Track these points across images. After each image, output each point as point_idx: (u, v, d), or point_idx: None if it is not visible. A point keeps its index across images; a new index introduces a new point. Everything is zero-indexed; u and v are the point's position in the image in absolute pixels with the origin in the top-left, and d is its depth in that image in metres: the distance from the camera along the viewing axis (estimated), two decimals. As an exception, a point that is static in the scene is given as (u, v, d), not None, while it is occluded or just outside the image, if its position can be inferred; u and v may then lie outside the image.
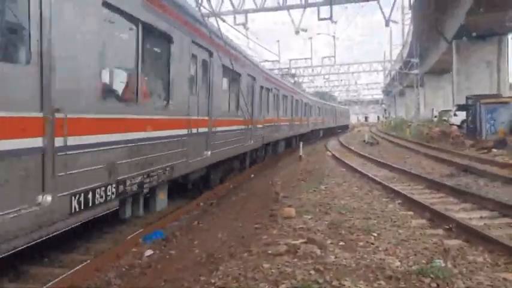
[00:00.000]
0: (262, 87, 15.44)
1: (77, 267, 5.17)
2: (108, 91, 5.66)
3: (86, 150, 4.70)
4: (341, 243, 5.60)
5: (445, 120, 35.36)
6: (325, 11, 20.47)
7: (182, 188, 8.94)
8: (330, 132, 45.24)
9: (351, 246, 5.48)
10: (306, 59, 50.31)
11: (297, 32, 22.69)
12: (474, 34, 28.68)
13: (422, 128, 33.14)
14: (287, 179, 12.40)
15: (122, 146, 5.47)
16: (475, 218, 7.11)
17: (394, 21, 23.65)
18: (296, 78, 50.50)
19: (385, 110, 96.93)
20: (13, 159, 3.73)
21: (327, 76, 58.32)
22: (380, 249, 5.36)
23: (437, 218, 6.97)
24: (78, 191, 4.58)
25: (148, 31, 6.25)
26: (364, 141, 29.89)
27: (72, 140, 4.40)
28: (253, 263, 4.78)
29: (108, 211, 5.37)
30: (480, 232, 5.86)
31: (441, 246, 5.47)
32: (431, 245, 5.57)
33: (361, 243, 5.59)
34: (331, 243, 5.58)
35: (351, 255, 5.07)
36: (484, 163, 14.05)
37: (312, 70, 51.87)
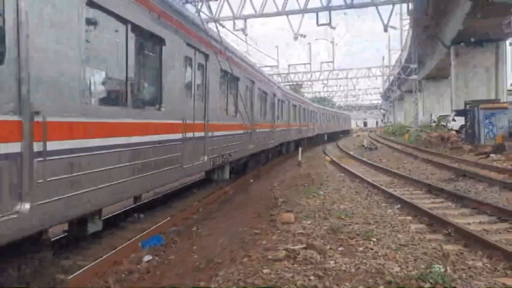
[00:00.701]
0: (279, 100, 20.21)
1: (76, 273, 5.17)
2: (221, 111, 10.42)
3: (214, 138, 9.30)
4: (340, 248, 5.60)
5: (443, 125, 35.41)
6: (324, 16, 20.68)
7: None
8: (334, 136, 48.06)
9: (351, 251, 5.49)
10: (304, 64, 50.47)
11: (295, 38, 22.80)
12: (472, 40, 28.76)
13: (421, 133, 33.20)
14: (286, 184, 12.40)
15: (223, 137, 10.07)
16: (473, 222, 7.12)
17: (393, 27, 23.90)
18: (294, 83, 50.69)
19: (383, 115, 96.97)
20: (197, 141, 8.23)
21: (325, 81, 58.35)
22: (379, 254, 5.36)
23: (436, 222, 6.98)
24: (212, 157, 9.19)
25: (232, 78, 11.17)
26: (363, 146, 29.93)
27: (211, 133, 9.07)
28: (252, 269, 4.78)
29: (210, 171, 10.44)
30: (479, 237, 5.87)
31: (440, 251, 5.47)
32: (430, 250, 5.57)
33: (360, 248, 5.59)
34: (331, 248, 5.58)
35: (350, 260, 5.07)
36: (483, 168, 14.07)
37: (311, 75, 51.92)
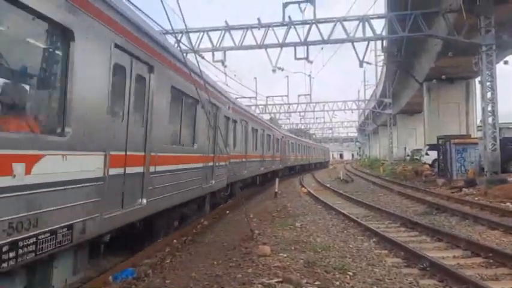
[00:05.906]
0: (284, 142, 28.64)
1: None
2: (223, 145, 11.89)
3: (219, 168, 11.50)
4: (317, 282, 5.52)
5: (417, 159, 36.14)
6: (302, 50, 21.15)
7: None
8: (321, 164, 64.51)
9: (327, 285, 5.41)
10: (282, 96, 51.16)
11: (273, 71, 23.13)
12: (444, 77, 29.91)
13: (396, 167, 33.75)
14: (262, 216, 12.30)
15: (223, 166, 12.03)
16: (448, 257, 7.16)
17: (368, 63, 24.56)
18: (272, 115, 51.19)
19: (359, 147, 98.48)
20: (208, 168, 10.52)
21: (302, 113, 59.02)
22: (356, 289, 5.31)
23: (412, 256, 6.99)
24: (217, 181, 11.40)
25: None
26: (339, 178, 30.17)
27: (217, 163, 11.19)
28: (227, 304, 4.64)
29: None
30: (454, 272, 5.89)
31: (416, 286, 5.46)
32: (406, 284, 5.55)
33: (337, 283, 5.52)
34: (307, 282, 5.49)
35: (326, 295, 4.99)
36: (456, 202, 14.34)
37: (289, 107, 52.49)
